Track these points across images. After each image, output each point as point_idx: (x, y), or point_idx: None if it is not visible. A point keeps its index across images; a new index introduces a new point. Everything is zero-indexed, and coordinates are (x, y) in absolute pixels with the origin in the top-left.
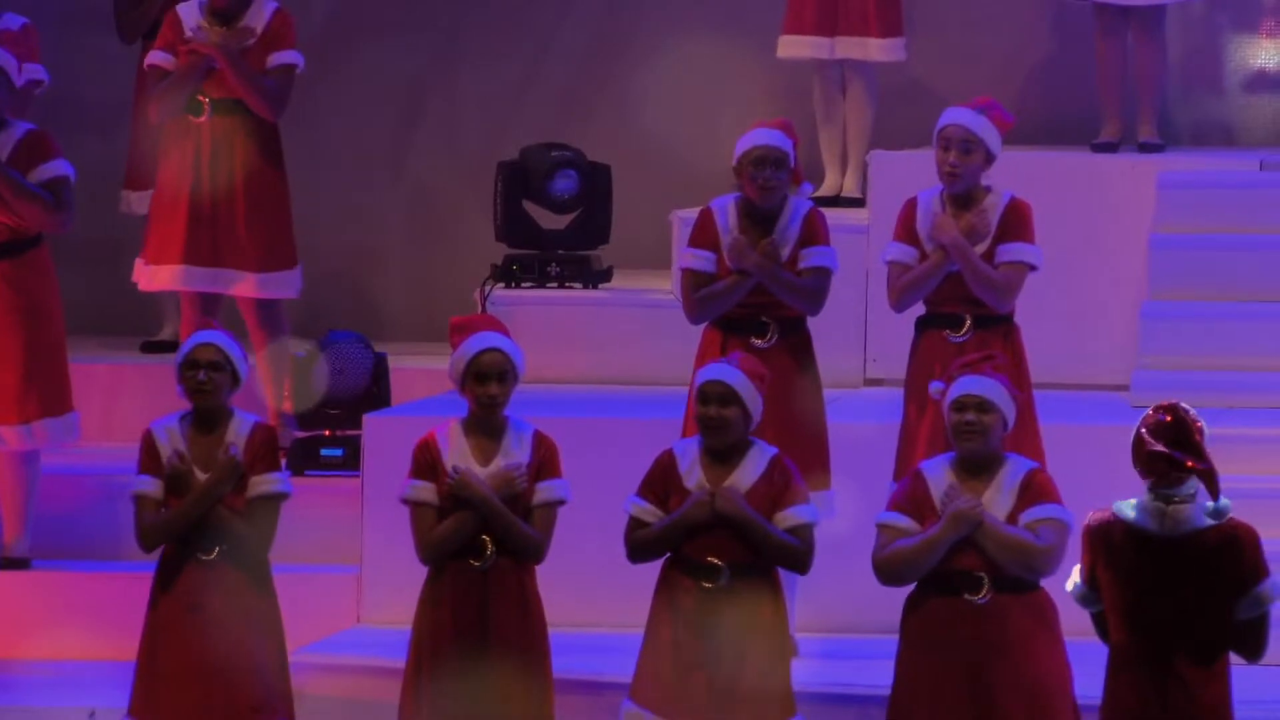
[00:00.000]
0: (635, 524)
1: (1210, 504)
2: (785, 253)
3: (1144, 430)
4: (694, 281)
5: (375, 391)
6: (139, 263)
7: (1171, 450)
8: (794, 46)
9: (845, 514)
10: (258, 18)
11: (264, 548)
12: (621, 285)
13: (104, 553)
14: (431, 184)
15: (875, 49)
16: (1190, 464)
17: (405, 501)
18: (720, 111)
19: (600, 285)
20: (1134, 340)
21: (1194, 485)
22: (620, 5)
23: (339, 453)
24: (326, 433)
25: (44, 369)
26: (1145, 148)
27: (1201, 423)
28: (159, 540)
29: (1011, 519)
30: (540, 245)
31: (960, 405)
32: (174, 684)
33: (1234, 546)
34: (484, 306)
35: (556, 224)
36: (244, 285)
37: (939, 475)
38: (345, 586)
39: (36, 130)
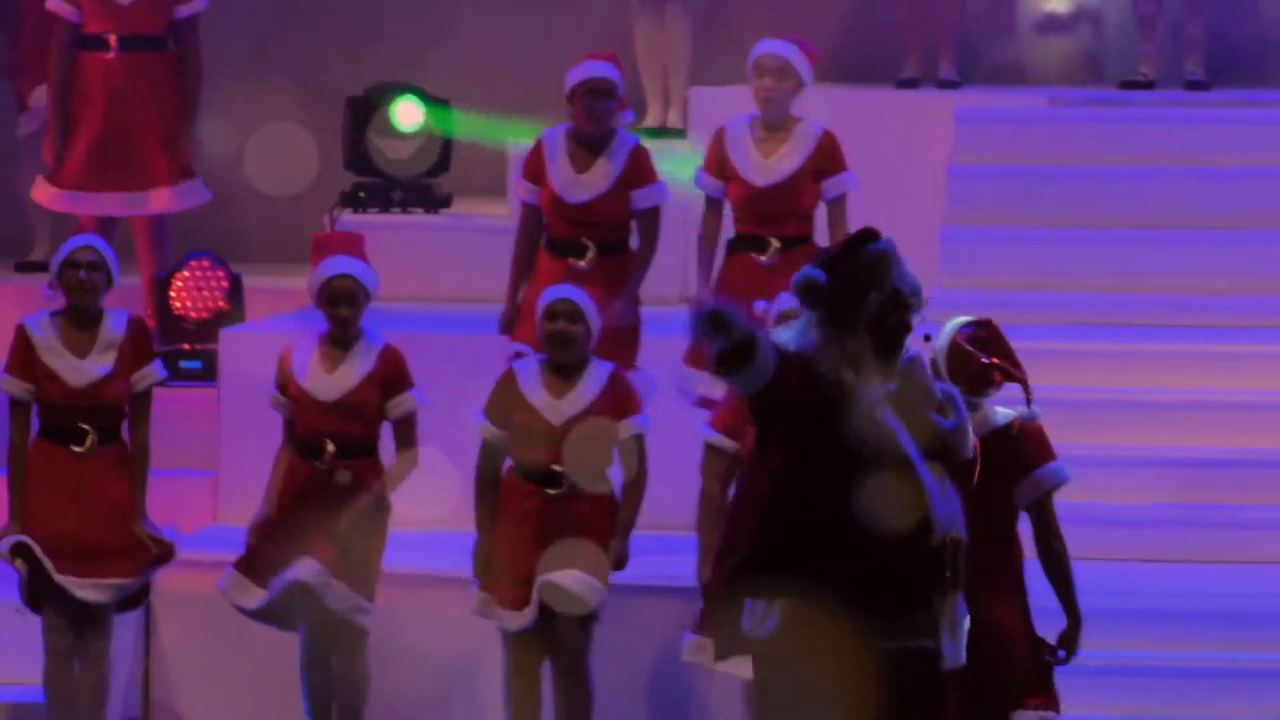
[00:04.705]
0: (485, 446)
1: (1023, 408)
2: (608, 184)
3: (966, 344)
4: (523, 214)
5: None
6: (41, 180)
7: (1003, 362)
8: None
9: None
10: None
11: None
12: (460, 211)
13: None
14: (287, 120)
15: None
16: (1021, 375)
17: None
18: (549, 48)
19: (440, 210)
20: (934, 262)
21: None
22: None
23: (198, 365)
24: (186, 346)
25: None
26: (944, 84)
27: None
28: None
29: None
30: (384, 174)
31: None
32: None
33: (1021, 438)
34: (332, 230)
35: (400, 154)
36: (158, 198)
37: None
38: (204, 489)
39: None
